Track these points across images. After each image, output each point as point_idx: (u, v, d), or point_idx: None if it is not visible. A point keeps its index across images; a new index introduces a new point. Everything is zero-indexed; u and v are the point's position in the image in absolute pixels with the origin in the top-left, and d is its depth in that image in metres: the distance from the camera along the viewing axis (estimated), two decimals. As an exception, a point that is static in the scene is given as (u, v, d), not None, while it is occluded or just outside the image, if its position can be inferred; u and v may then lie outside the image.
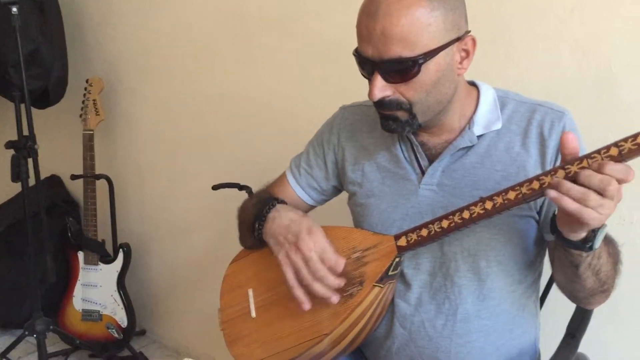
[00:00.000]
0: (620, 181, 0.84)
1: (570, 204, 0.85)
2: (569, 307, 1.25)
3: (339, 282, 1.07)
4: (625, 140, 0.86)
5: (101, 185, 2.48)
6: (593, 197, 0.84)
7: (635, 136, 0.86)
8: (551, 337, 1.31)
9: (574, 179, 0.87)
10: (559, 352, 1.25)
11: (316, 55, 1.92)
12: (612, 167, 0.84)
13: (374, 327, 1.19)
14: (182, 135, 2.43)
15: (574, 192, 0.85)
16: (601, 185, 0.84)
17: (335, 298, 1.07)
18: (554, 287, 1.27)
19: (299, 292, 1.09)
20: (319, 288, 1.07)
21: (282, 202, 1.23)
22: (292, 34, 1.97)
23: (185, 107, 2.38)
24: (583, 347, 1.25)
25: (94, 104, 2.39)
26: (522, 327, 1.19)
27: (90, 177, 2.41)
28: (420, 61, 0.99)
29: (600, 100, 1.38)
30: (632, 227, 1.38)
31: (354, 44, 1.06)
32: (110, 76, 2.54)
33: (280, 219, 1.15)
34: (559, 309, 1.29)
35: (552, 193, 0.87)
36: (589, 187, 0.84)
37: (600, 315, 1.30)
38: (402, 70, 1.00)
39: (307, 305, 1.09)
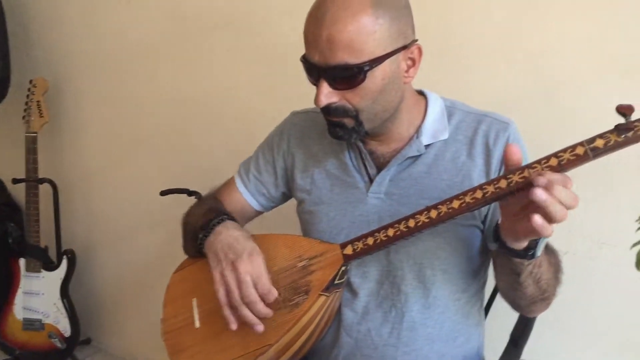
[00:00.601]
0: None
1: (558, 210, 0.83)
2: (513, 316, 1.27)
3: (267, 312, 1.05)
4: (564, 151, 0.88)
5: (45, 190, 2.40)
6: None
7: (573, 147, 0.87)
8: (495, 345, 1.32)
9: (521, 188, 0.88)
10: (503, 360, 1.27)
11: (267, 58, 1.91)
12: (551, 177, 0.85)
13: (320, 337, 1.18)
14: (130, 139, 2.37)
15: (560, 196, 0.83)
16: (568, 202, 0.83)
17: (260, 327, 1.05)
18: (499, 296, 1.29)
19: (227, 312, 1.07)
20: (246, 313, 1.05)
21: (232, 218, 1.21)
22: (241, 36, 1.96)
23: (133, 110, 2.33)
24: (526, 355, 1.27)
25: (37, 105, 2.31)
26: (466, 335, 1.19)
27: (32, 181, 2.33)
28: (366, 68, 0.99)
29: (542, 111, 1.41)
30: (574, 235, 1.41)
31: (303, 47, 1.05)
32: (55, 77, 2.47)
33: (226, 234, 1.13)
34: (503, 317, 1.30)
35: (539, 192, 0.82)
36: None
37: (542, 323, 1.32)
38: (348, 76, 1.00)
39: (234, 325, 1.06)
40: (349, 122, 1.07)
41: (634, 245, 0.53)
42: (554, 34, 1.37)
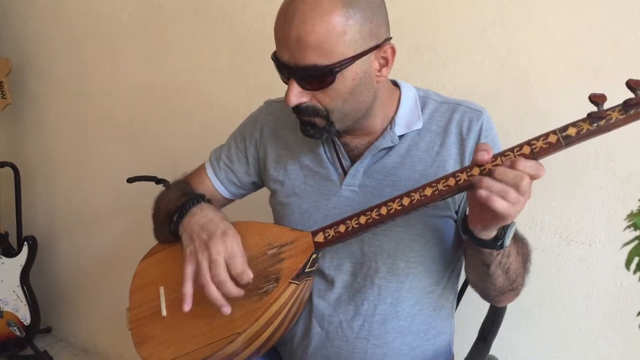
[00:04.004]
0: (531, 177, 0.85)
1: (497, 203, 0.84)
2: (482, 311, 1.27)
3: (238, 292, 1.02)
4: (537, 139, 0.88)
5: (6, 174, 2.34)
6: (512, 194, 0.84)
7: (546, 135, 0.87)
8: (463, 341, 1.32)
9: (489, 176, 0.87)
10: (472, 355, 1.27)
11: (238, 46, 1.88)
12: (524, 163, 0.85)
13: (290, 326, 1.17)
14: (96, 123, 2.32)
15: (495, 188, 0.85)
16: (515, 180, 0.84)
17: (227, 309, 1.02)
18: (468, 291, 1.29)
19: (187, 288, 1.03)
20: (213, 292, 1.02)
21: (208, 200, 1.19)
22: (211, 23, 1.92)
23: (99, 95, 2.28)
24: (494, 350, 1.28)
25: (0, 86, 2.24)
26: (438, 328, 1.19)
27: (-7, 164, 2.27)
28: (336, 69, 0.97)
29: (517, 109, 1.42)
30: (543, 231, 1.43)
31: (273, 37, 1.03)
32: (19, 58, 2.40)
33: (201, 216, 1.11)
34: (472, 312, 1.31)
35: (483, 193, 0.85)
36: (504, 183, 0.85)
37: (511, 319, 1.33)
38: (317, 77, 0.98)
39: (187, 305, 1.03)
40: (319, 121, 1.06)
41: (625, 244, 0.53)
42: (529, 31, 1.38)
